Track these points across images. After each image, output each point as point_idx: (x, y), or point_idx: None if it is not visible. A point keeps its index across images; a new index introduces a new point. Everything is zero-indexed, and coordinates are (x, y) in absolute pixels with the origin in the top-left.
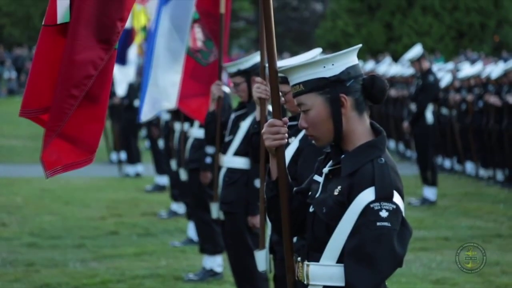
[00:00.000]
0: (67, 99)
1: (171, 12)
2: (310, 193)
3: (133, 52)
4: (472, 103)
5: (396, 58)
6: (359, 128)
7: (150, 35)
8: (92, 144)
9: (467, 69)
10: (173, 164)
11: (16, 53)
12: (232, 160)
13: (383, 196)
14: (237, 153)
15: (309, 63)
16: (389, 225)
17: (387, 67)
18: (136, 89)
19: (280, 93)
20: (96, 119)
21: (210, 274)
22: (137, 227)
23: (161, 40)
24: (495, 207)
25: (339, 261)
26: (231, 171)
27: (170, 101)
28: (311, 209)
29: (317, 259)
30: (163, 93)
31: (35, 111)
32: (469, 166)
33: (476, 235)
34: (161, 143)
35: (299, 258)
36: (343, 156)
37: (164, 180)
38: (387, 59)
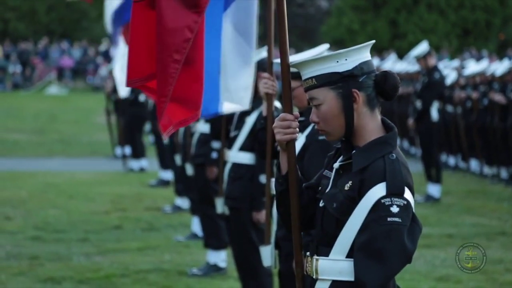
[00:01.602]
0: (171, 64)
1: (232, 18)
2: (320, 188)
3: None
4: (477, 100)
5: (401, 55)
6: (371, 123)
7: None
8: (196, 101)
9: (472, 67)
10: (178, 159)
11: (21, 47)
12: (237, 155)
13: (394, 191)
14: (243, 148)
15: (322, 57)
16: (400, 220)
17: (392, 64)
18: None
19: None
20: (196, 79)
21: (214, 269)
22: (141, 222)
23: (228, 47)
24: (499, 205)
25: (348, 256)
26: (236, 166)
27: (243, 104)
28: (321, 204)
29: (326, 254)
30: (235, 97)
31: (140, 80)
32: (474, 164)
33: (480, 232)
34: None
35: (308, 253)
36: (354, 151)
37: (168, 175)
38: (392, 56)
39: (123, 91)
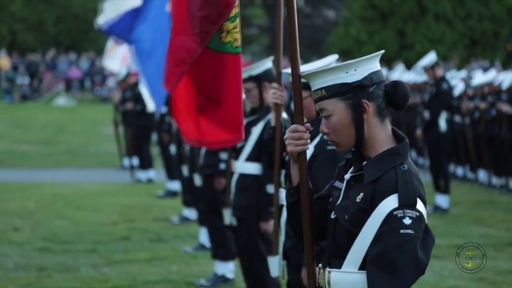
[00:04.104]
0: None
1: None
2: (330, 199)
3: None
4: (485, 111)
5: (409, 66)
6: (381, 134)
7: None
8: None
9: (479, 77)
10: (185, 170)
11: (29, 58)
12: (244, 166)
13: (407, 203)
14: (249, 158)
15: (331, 68)
16: (413, 232)
17: (399, 75)
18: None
19: None
20: (226, 122)
21: (222, 280)
22: (148, 233)
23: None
24: (507, 215)
25: (361, 268)
26: (243, 176)
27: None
28: (332, 216)
29: (339, 266)
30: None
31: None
32: (482, 174)
33: (488, 243)
34: (173, 149)
35: (320, 265)
36: (365, 162)
37: (175, 185)
38: (400, 67)
39: (152, 105)
